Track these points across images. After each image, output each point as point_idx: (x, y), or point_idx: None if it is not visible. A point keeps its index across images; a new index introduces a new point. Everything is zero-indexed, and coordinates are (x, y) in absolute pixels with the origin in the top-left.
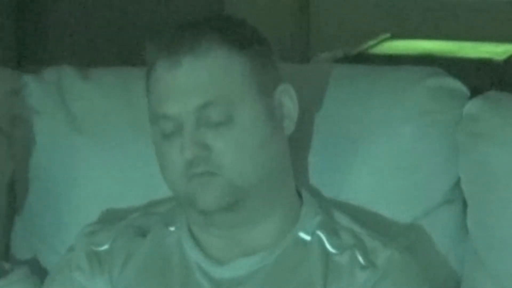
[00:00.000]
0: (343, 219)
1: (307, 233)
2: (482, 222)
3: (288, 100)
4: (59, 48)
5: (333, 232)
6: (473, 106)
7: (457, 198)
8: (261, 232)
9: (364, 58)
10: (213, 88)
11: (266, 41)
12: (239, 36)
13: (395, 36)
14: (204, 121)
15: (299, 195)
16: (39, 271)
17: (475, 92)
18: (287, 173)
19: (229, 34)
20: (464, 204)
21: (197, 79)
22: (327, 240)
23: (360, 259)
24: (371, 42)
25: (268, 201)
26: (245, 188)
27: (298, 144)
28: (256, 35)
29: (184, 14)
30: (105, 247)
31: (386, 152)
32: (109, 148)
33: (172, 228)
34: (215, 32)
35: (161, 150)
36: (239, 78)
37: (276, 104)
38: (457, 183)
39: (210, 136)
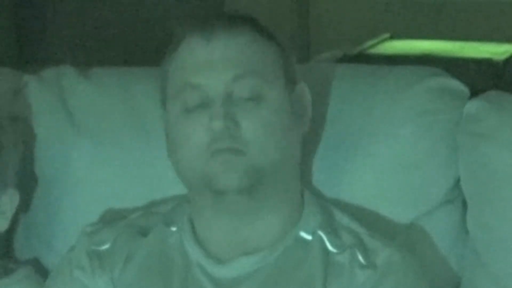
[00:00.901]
0: (343, 219)
1: (308, 232)
2: (482, 222)
3: (305, 99)
4: (59, 48)
5: (333, 231)
6: (473, 106)
7: (457, 198)
8: (264, 230)
9: (364, 58)
10: (246, 63)
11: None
12: (268, 29)
13: (395, 36)
14: (234, 96)
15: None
16: (40, 271)
17: (475, 92)
18: (296, 169)
19: (260, 26)
20: (464, 204)
21: (231, 53)
22: (328, 239)
23: (361, 258)
24: (371, 42)
25: (279, 191)
26: (264, 170)
27: None
28: (279, 34)
29: (184, 14)
30: (106, 246)
31: (386, 152)
32: (109, 148)
33: (173, 228)
34: (247, 21)
35: (180, 125)
36: (270, 61)
37: (297, 99)
38: (457, 183)
39: (239, 112)
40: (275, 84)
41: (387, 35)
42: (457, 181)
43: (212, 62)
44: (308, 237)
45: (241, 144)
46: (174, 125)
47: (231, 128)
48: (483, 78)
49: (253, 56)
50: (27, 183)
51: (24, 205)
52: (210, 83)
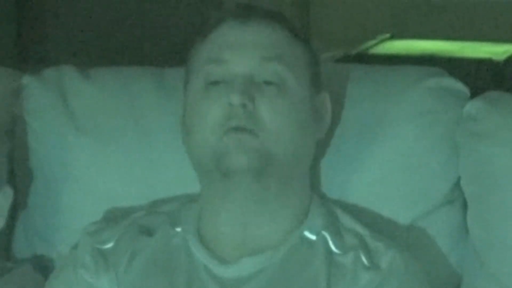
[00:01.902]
0: (346, 220)
1: (312, 232)
2: (482, 222)
3: (326, 108)
4: (59, 48)
5: (337, 232)
6: (473, 106)
7: (457, 198)
8: (269, 230)
9: (364, 58)
10: (275, 48)
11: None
12: (299, 30)
13: (395, 36)
14: (257, 78)
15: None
16: (39, 270)
17: (475, 92)
18: (307, 171)
19: (291, 24)
20: (464, 204)
21: (262, 37)
22: (331, 240)
23: (364, 260)
24: (371, 42)
25: (288, 187)
26: (275, 157)
27: None
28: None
29: (184, 14)
30: (110, 245)
31: (386, 152)
32: (109, 148)
33: (178, 229)
34: (282, 17)
35: (199, 100)
36: (297, 55)
37: (318, 105)
38: (457, 183)
39: (258, 94)
40: (299, 79)
41: (387, 35)
42: (457, 181)
43: (242, 43)
44: (313, 237)
45: (255, 126)
46: (193, 101)
47: (248, 106)
48: (483, 78)
49: (282, 45)
50: (22, 180)
51: (21, 203)
52: (236, 60)
